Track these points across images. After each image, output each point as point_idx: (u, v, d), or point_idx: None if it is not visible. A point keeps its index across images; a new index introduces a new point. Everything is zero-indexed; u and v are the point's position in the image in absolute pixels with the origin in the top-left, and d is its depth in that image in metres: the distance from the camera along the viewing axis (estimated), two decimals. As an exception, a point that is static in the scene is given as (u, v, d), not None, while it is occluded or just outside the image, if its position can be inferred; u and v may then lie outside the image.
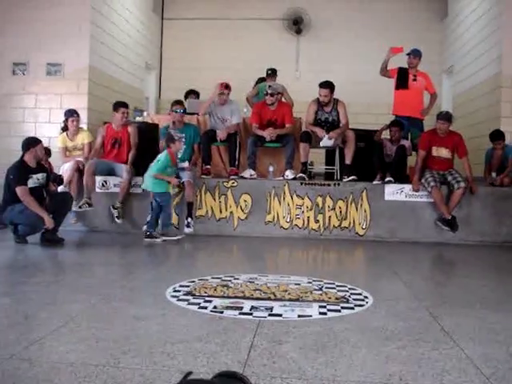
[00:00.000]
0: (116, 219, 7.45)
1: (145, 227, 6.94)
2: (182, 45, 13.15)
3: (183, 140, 7.59)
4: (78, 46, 9.34)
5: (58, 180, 6.85)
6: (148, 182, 6.90)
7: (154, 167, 6.85)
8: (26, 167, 6.38)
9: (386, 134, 8.35)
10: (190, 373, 0.66)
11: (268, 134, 7.91)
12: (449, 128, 7.41)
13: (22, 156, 6.42)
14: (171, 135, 6.97)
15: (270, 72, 9.61)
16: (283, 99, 8.71)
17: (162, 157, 6.88)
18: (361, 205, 7.52)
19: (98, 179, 7.68)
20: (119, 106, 7.77)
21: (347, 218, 7.53)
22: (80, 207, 7.38)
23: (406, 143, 8.04)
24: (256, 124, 8.07)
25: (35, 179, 6.41)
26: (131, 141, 7.78)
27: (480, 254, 6.81)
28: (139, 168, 7.86)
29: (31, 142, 6.50)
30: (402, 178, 7.85)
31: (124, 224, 7.54)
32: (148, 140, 8.24)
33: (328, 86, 7.94)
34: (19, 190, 6.22)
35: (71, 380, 2.33)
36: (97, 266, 5.29)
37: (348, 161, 7.84)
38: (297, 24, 13.03)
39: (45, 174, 6.57)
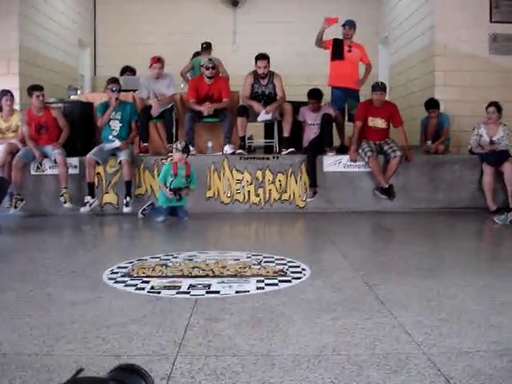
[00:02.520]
0: (64, 204, 7.27)
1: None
2: (116, 20, 12.83)
3: (119, 118, 7.48)
4: (7, 24, 9.00)
5: None
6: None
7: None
8: None
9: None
10: (80, 370, 0.64)
11: (205, 108, 7.83)
12: (384, 98, 7.52)
13: None
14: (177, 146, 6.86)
15: (204, 46, 9.50)
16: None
17: (165, 165, 6.92)
18: (300, 177, 7.58)
19: (32, 162, 7.50)
20: (32, 89, 7.49)
21: (287, 190, 7.59)
22: (15, 207, 7.18)
23: (329, 110, 8.07)
24: (193, 99, 7.99)
25: None
26: (60, 123, 7.57)
27: (417, 220, 6.98)
28: (75, 148, 7.74)
29: None
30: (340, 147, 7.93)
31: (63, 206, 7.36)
32: (82, 119, 8.08)
33: (265, 57, 7.92)
34: None
35: (3, 371, 2.28)
36: (33, 251, 5.16)
37: (286, 133, 7.86)
38: (233, -4, 12.90)
39: None
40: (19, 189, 7.25)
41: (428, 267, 4.27)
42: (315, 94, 7.90)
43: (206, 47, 9.49)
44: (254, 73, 7.99)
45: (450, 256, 4.85)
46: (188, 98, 8.12)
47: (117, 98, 7.47)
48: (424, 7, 9.96)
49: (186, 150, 6.84)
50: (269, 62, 7.92)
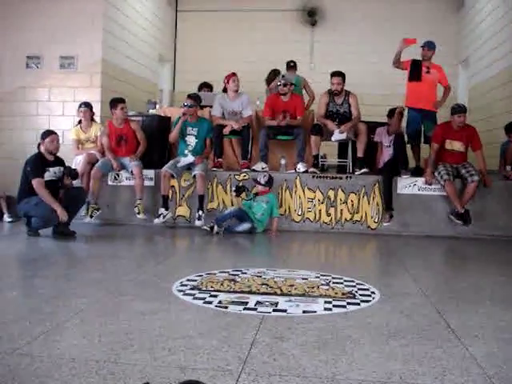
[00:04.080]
0: (137, 215, 7.47)
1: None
2: (196, 37, 13.13)
3: (195, 134, 7.61)
4: (91, 39, 9.34)
5: (74, 174, 6.88)
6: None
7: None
8: (44, 160, 6.48)
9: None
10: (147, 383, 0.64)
11: (279, 120, 7.87)
12: (465, 120, 7.35)
13: (38, 148, 6.54)
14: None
15: (292, 64, 9.60)
16: (304, 92, 8.88)
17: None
18: (373, 198, 7.48)
19: (110, 173, 7.75)
20: (117, 102, 7.74)
21: (359, 211, 7.50)
22: (91, 216, 7.42)
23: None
24: (268, 117, 8.06)
25: (52, 172, 6.52)
26: (138, 136, 7.79)
27: (492, 248, 6.73)
28: (151, 161, 7.92)
29: (43, 135, 6.62)
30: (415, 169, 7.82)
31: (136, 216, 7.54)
32: (159, 133, 8.28)
33: (340, 74, 7.93)
34: (35, 183, 6.30)
35: (71, 376, 2.33)
36: (106, 259, 5.30)
37: (360, 154, 7.80)
38: (312, 15, 12.94)
39: (61, 168, 6.66)
40: (96, 198, 7.47)
41: (503, 297, 4.10)
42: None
43: (293, 66, 9.59)
44: (329, 91, 7.99)
45: (527, 287, 4.66)
46: (264, 116, 8.19)
47: (185, 113, 7.58)
48: (506, 29, 9.70)
49: (268, 184, 7.18)
50: (344, 79, 7.91)
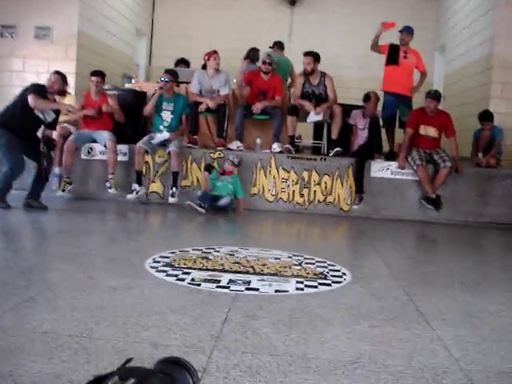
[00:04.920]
0: (109, 190, 7.38)
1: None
2: (174, 12, 12.99)
3: (171, 109, 7.55)
4: (68, 10, 9.19)
5: (50, 144, 6.74)
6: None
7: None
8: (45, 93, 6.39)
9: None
10: (130, 359, 0.65)
11: (256, 108, 7.88)
12: (437, 107, 7.41)
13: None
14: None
15: (278, 44, 9.69)
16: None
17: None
18: (346, 180, 7.53)
19: (83, 147, 7.64)
20: (91, 74, 7.65)
21: (332, 193, 7.55)
22: (63, 190, 7.30)
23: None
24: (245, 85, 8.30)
25: (45, 113, 6.39)
26: (115, 108, 7.66)
27: (463, 233, 6.86)
28: (125, 136, 7.84)
29: (54, 71, 6.65)
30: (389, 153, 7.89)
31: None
32: (134, 108, 8.18)
33: (311, 54, 7.93)
34: (32, 97, 6.18)
35: (43, 350, 2.33)
36: (78, 233, 5.27)
37: (334, 136, 7.83)
38: (291, -5, 12.88)
39: (54, 116, 6.55)
40: (69, 172, 7.38)
41: (471, 282, 4.19)
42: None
43: (280, 46, 9.58)
44: (304, 72, 7.99)
45: (494, 272, 4.77)
46: (241, 83, 8.31)
47: (161, 88, 7.52)
48: (485, 17, 9.77)
49: (238, 165, 7.23)
50: (317, 60, 7.92)
